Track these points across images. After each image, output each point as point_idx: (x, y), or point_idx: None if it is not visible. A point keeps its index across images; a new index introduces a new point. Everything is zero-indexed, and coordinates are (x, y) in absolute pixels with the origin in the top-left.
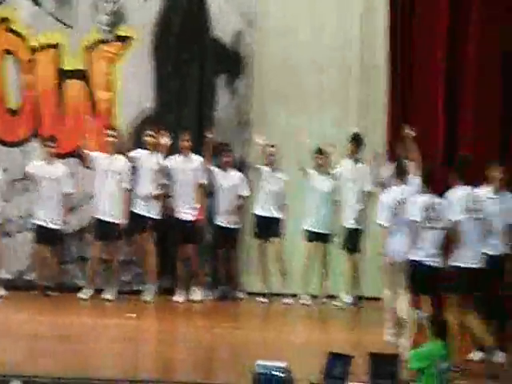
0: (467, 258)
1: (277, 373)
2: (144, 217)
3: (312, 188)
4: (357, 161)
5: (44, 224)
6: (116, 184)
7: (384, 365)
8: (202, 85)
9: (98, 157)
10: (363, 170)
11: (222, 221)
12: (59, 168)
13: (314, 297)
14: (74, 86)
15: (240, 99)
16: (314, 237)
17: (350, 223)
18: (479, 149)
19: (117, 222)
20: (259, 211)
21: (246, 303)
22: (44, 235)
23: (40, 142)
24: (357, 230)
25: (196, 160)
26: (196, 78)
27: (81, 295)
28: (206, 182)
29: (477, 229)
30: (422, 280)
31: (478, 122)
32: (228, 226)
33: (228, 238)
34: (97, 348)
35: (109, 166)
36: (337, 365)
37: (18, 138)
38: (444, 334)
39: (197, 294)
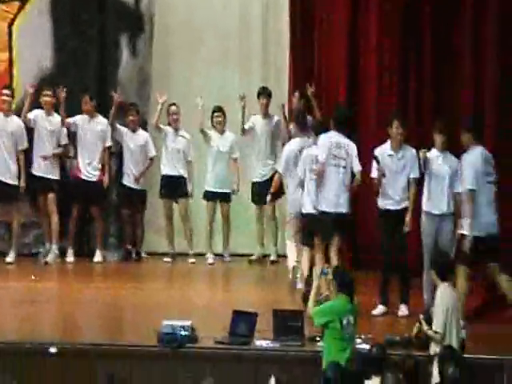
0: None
1: (181, 331)
2: (44, 178)
3: (211, 148)
4: (266, 115)
5: None
6: (12, 145)
7: (288, 321)
8: (102, 44)
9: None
10: (274, 124)
11: (128, 181)
12: None
13: (218, 255)
14: None
15: (141, 58)
16: (215, 196)
17: (258, 178)
18: (380, 106)
19: (15, 183)
20: (165, 171)
21: (151, 264)
22: None
23: None
24: (265, 182)
25: (101, 121)
26: (96, 36)
27: None
28: (111, 144)
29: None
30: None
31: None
32: (134, 186)
33: (134, 198)
34: None
35: (4, 126)
36: (241, 323)
37: None
38: (347, 287)
39: (98, 256)
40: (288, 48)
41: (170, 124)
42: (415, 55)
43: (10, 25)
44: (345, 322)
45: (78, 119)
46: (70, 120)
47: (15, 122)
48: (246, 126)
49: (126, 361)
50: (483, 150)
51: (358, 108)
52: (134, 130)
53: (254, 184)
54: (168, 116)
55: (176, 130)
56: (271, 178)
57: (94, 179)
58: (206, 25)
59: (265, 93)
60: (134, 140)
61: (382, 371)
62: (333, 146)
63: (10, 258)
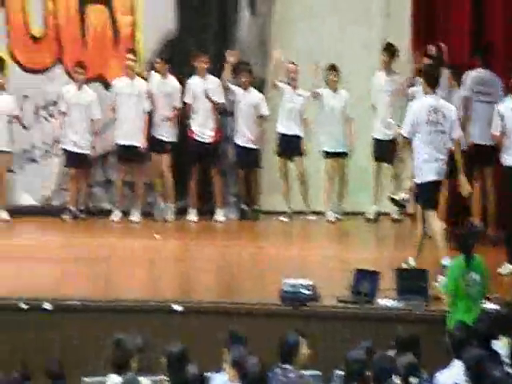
0: None
1: (303, 290)
2: (161, 140)
3: (323, 106)
4: (390, 72)
5: (74, 149)
6: (136, 107)
7: (412, 280)
8: (223, 4)
9: (118, 81)
10: (397, 81)
11: (242, 141)
12: (89, 94)
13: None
14: (95, 11)
15: (261, 18)
16: (331, 155)
17: (381, 134)
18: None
19: (138, 144)
20: (282, 129)
21: (269, 222)
22: (74, 160)
23: (66, 68)
24: (390, 141)
25: (213, 81)
26: None
27: (112, 217)
28: (222, 102)
29: None
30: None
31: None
32: (248, 145)
33: (248, 157)
34: (123, 270)
35: (129, 89)
36: (364, 281)
37: (42, 65)
38: (464, 246)
39: (219, 215)
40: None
41: (288, 83)
42: None
43: None
44: (469, 279)
45: (192, 82)
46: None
47: (140, 85)
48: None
49: (247, 319)
50: None
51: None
52: (246, 90)
53: (375, 141)
54: (286, 75)
55: (294, 88)
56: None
57: (209, 140)
58: None
59: (388, 49)
60: (247, 99)
61: (510, 331)
62: None
63: (134, 217)
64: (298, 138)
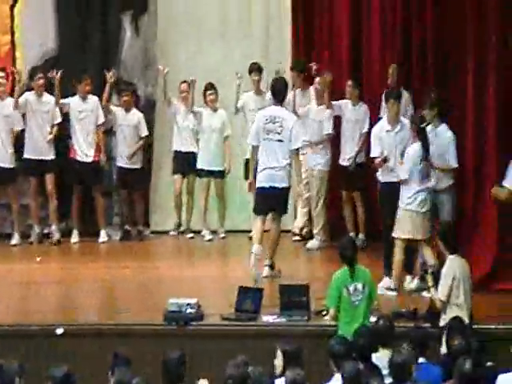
0: None
1: (188, 309)
2: (41, 160)
3: (202, 126)
4: (260, 92)
5: None
6: (4, 127)
7: (294, 296)
8: (105, 24)
9: None
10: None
11: (122, 161)
12: None
13: (214, 232)
14: None
15: (145, 37)
16: (209, 174)
17: None
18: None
19: (10, 166)
20: (177, 147)
21: (154, 242)
22: None
23: None
24: None
25: (94, 101)
26: (99, 16)
27: None
28: (103, 121)
29: None
30: None
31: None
32: (129, 166)
33: (129, 178)
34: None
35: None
36: (247, 299)
37: None
38: (344, 257)
39: (102, 236)
40: (290, 23)
41: (182, 101)
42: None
43: (12, 7)
44: (351, 289)
45: (71, 100)
46: (64, 101)
47: (10, 105)
48: (238, 105)
49: (132, 339)
50: None
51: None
52: (127, 110)
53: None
54: (179, 94)
55: (187, 107)
56: None
57: (90, 159)
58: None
59: (256, 69)
60: (127, 119)
61: (389, 344)
62: None
63: (14, 241)
64: (193, 154)
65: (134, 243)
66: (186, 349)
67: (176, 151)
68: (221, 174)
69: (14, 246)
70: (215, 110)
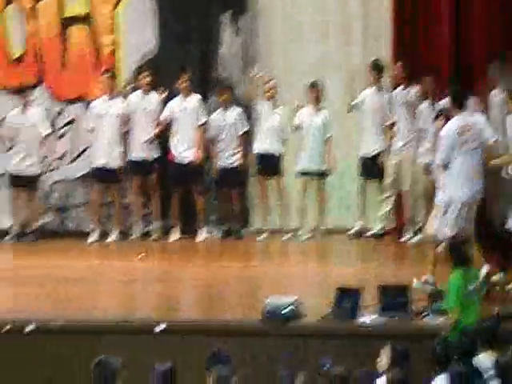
0: None
1: (287, 308)
2: (145, 160)
3: (303, 124)
4: (379, 89)
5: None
6: (112, 127)
7: (395, 296)
8: (205, 23)
9: (96, 102)
10: (385, 98)
11: (221, 160)
12: (33, 113)
13: (312, 231)
14: (77, 32)
15: (245, 36)
16: (309, 173)
17: (367, 151)
18: None
19: (115, 166)
20: (260, 148)
21: (250, 240)
22: (20, 181)
23: (47, 89)
24: (375, 156)
25: (194, 99)
26: (199, 16)
27: (89, 239)
28: (203, 122)
29: None
30: None
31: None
32: (228, 164)
33: (229, 176)
34: (103, 289)
35: (105, 109)
36: (346, 299)
37: (22, 85)
38: (461, 259)
39: (202, 234)
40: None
41: (268, 99)
42: None
43: (114, 8)
44: (469, 289)
45: (173, 103)
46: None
47: (118, 105)
48: (353, 102)
49: (230, 338)
50: None
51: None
52: (226, 109)
53: (361, 158)
54: (265, 92)
55: (272, 106)
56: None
57: (188, 160)
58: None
59: (376, 66)
60: (226, 118)
61: (493, 345)
62: None
63: (112, 238)
64: (276, 155)
65: (233, 242)
66: (284, 348)
67: (260, 153)
68: (321, 174)
69: (112, 243)
70: (318, 109)
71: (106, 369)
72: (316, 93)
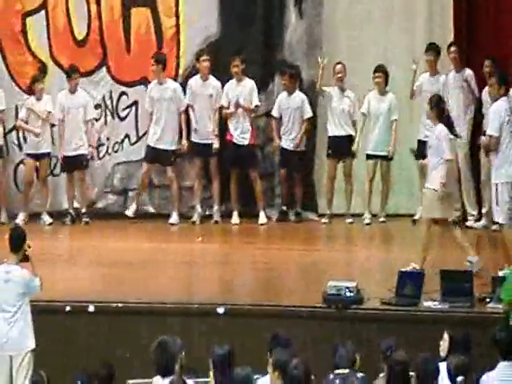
0: None
1: (348, 292)
2: (206, 144)
3: (370, 109)
4: (436, 72)
5: (72, 153)
6: (169, 110)
7: (457, 282)
8: (269, 6)
9: (152, 85)
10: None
11: (285, 143)
12: (82, 96)
13: (374, 216)
14: (139, 14)
15: (309, 22)
16: (375, 157)
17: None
18: None
19: (172, 148)
20: (332, 131)
21: (314, 224)
22: (71, 163)
23: (110, 71)
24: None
25: (249, 84)
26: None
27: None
28: (258, 104)
29: None
30: None
31: None
32: (292, 148)
33: (291, 160)
34: (164, 272)
35: (161, 93)
36: (408, 283)
37: (85, 68)
38: None
39: (262, 217)
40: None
41: (336, 84)
42: None
43: None
44: None
45: (226, 85)
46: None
47: (172, 88)
48: (415, 87)
49: (290, 321)
50: None
51: None
52: (290, 93)
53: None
54: (333, 75)
55: (341, 89)
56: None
57: (246, 143)
58: None
59: (433, 49)
60: (290, 103)
61: None
62: None
63: (172, 220)
64: (348, 138)
65: (295, 225)
66: (344, 332)
67: (331, 136)
68: (386, 158)
69: (173, 225)
70: (383, 93)
71: (166, 350)
72: (381, 77)
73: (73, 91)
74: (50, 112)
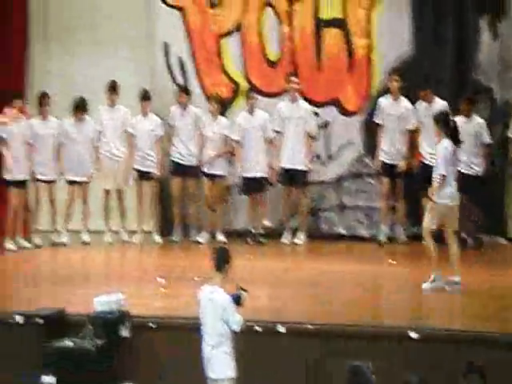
0: None
1: None
2: (391, 165)
3: None
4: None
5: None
6: (297, 130)
7: None
8: (462, 28)
9: (282, 105)
10: None
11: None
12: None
13: None
14: (331, 35)
15: (503, 41)
16: None
17: None
18: None
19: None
20: None
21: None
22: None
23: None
24: None
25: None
26: (455, 20)
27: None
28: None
29: None
30: None
31: None
32: (471, 173)
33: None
34: (347, 294)
35: (291, 113)
36: None
37: (277, 88)
38: None
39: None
40: None
41: None
42: None
43: (369, 12)
44: None
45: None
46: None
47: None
48: None
49: (486, 348)
50: None
51: None
52: (467, 116)
53: None
54: None
55: None
56: None
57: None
58: None
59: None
60: (467, 124)
61: None
62: None
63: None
64: None
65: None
66: None
67: None
68: None
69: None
70: None
71: (361, 375)
72: None
73: (251, 112)
74: (227, 136)
